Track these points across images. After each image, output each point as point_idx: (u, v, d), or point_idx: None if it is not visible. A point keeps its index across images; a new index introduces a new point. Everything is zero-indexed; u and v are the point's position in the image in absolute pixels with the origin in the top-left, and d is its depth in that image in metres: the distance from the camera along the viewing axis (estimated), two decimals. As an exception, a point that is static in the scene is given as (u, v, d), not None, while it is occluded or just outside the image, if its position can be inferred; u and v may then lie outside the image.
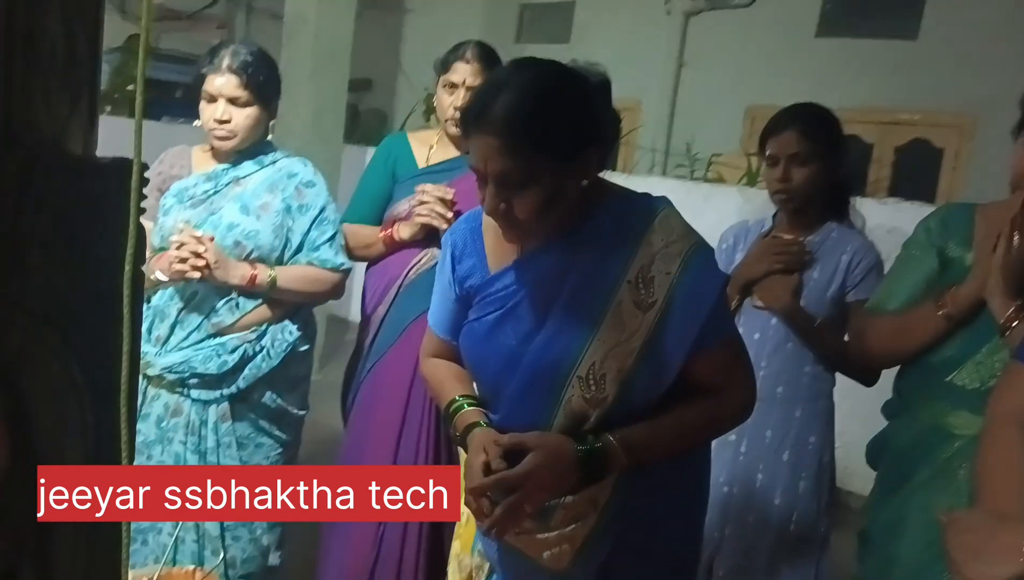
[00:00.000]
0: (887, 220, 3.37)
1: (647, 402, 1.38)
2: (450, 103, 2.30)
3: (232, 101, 2.09)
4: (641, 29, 7.63)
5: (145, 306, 2.17)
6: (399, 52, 8.66)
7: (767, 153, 2.15)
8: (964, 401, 1.58)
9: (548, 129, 1.27)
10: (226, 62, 2.09)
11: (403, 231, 2.31)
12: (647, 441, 1.37)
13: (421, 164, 2.39)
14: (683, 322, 1.33)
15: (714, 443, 2.17)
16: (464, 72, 2.28)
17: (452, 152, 2.40)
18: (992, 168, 5.23)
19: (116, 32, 12.89)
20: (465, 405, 1.48)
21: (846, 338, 2.10)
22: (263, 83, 2.13)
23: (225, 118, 2.08)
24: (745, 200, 4.11)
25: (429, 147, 2.41)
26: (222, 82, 2.08)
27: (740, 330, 2.15)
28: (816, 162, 2.09)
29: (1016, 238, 1.49)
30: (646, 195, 1.43)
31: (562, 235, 1.37)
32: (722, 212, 4.00)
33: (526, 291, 1.40)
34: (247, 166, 2.18)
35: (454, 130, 2.31)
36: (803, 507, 2.16)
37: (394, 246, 2.33)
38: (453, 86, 2.30)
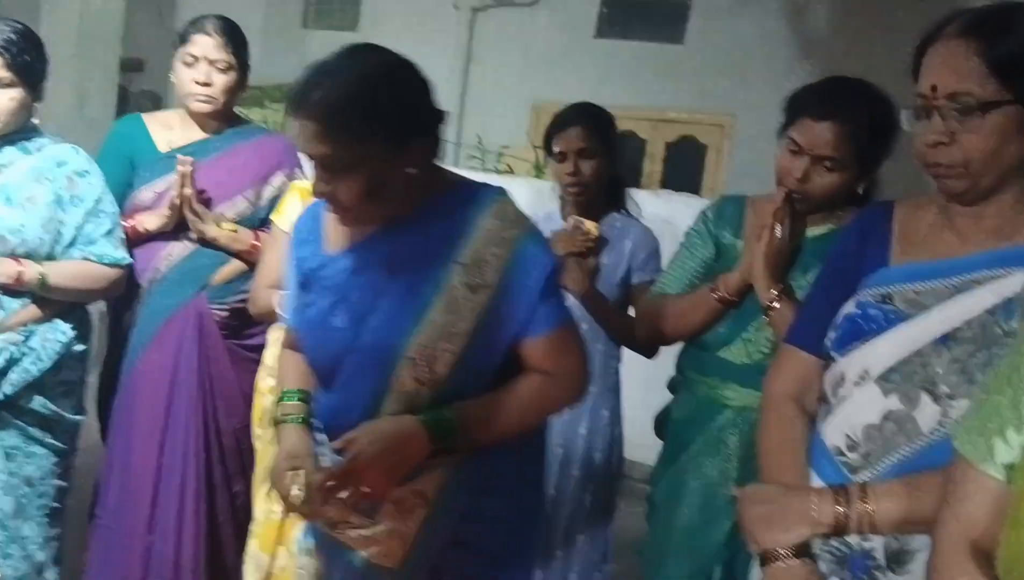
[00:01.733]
0: (660, 210, 3.64)
1: (480, 384, 1.39)
2: (190, 77, 2.19)
3: None
4: (430, 21, 7.67)
5: None
6: (174, 31, 8.15)
7: (555, 150, 2.28)
8: (734, 375, 1.74)
9: (369, 117, 1.27)
10: None
11: (149, 222, 2.19)
12: (479, 415, 1.38)
13: (163, 148, 2.26)
14: (512, 305, 1.36)
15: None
16: (205, 45, 2.18)
17: (197, 133, 2.28)
18: (749, 163, 5.79)
19: None
20: (286, 398, 1.51)
21: (631, 316, 2.27)
22: (29, 64, 1.95)
23: None
24: (534, 191, 4.27)
25: (170, 128, 2.29)
26: None
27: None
28: (600, 156, 2.24)
29: (778, 229, 1.66)
30: (484, 184, 1.46)
31: (397, 220, 1.38)
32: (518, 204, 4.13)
33: (359, 276, 1.40)
34: (9, 153, 1.98)
35: (198, 106, 2.21)
36: (598, 478, 2.30)
37: (138, 238, 2.19)
38: (194, 59, 2.18)
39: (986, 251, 1.18)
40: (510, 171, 5.58)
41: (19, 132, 2.00)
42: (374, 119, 1.28)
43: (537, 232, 1.43)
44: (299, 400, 1.50)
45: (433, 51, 7.47)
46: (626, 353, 2.33)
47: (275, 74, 5.28)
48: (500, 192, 1.44)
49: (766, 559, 1.20)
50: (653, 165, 7.24)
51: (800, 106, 1.67)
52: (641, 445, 2.09)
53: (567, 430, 2.28)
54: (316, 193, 1.35)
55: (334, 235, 1.45)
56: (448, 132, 5.94)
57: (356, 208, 1.34)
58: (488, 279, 1.35)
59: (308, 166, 2.37)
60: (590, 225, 2.24)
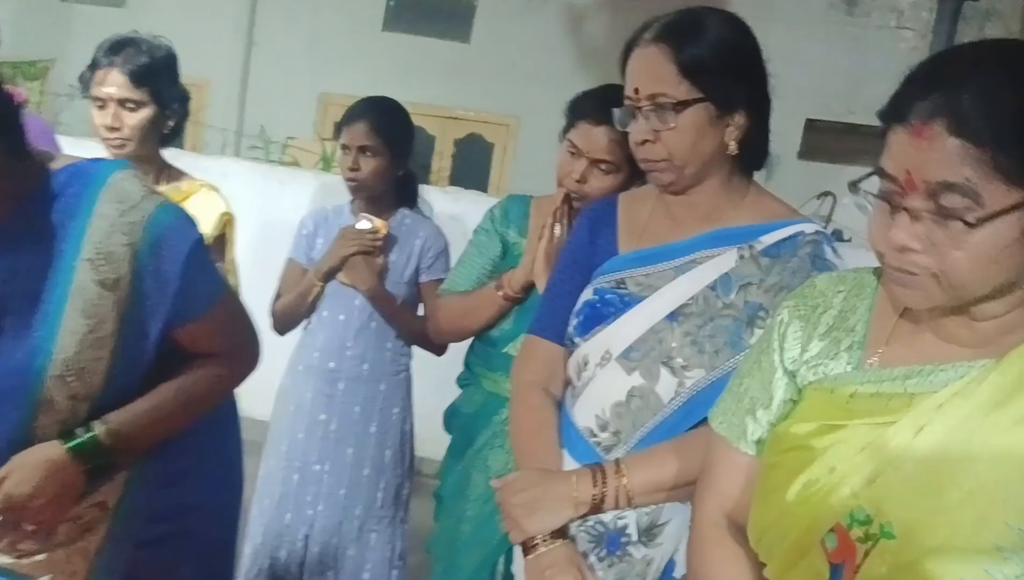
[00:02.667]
0: (448, 207, 3.70)
1: (144, 379, 1.30)
2: None
3: None
4: (208, 3, 7.29)
5: None
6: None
7: (341, 142, 2.26)
8: None
9: None
10: None
11: None
12: (135, 421, 1.28)
13: None
14: (155, 295, 1.24)
15: (304, 423, 2.25)
16: None
17: None
18: (534, 162, 5.99)
19: None
20: None
21: (420, 315, 2.30)
22: None
23: None
24: (321, 185, 4.19)
25: None
26: None
27: (325, 313, 2.26)
28: (384, 154, 2.24)
29: (557, 228, 1.75)
30: (96, 161, 1.29)
31: (7, 223, 1.20)
32: (299, 196, 4.04)
33: None
34: None
35: None
36: (389, 475, 2.32)
37: None
38: None
39: (700, 233, 1.32)
40: (296, 163, 5.43)
41: None
42: None
43: (167, 207, 1.27)
44: None
45: (212, 34, 7.13)
46: (416, 350, 2.36)
47: (32, 50, 4.82)
48: (115, 167, 1.28)
49: (527, 547, 1.25)
50: (442, 162, 7.33)
51: (579, 111, 1.76)
52: (432, 441, 2.13)
53: (357, 428, 2.28)
54: None
55: None
56: (228, 120, 5.70)
57: None
58: (121, 271, 1.21)
59: (66, 148, 2.23)
60: (378, 222, 2.24)
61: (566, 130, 1.79)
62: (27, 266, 1.20)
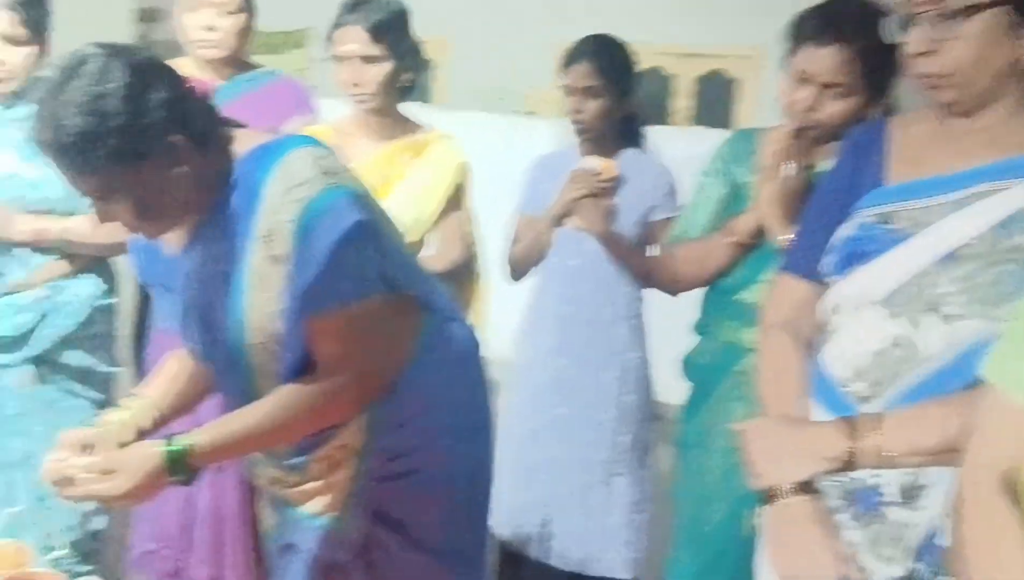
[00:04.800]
0: (689, 147, 3.56)
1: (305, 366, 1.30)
2: (195, 23, 2.10)
3: (8, 40, 1.90)
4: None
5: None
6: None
7: (564, 84, 2.23)
8: (754, 319, 1.70)
9: (86, 150, 1.14)
10: None
11: None
12: (228, 442, 1.29)
13: None
14: (299, 277, 1.23)
15: (544, 368, 2.28)
16: None
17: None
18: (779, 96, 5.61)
19: None
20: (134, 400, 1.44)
21: (652, 256, 2.23)
22: (40, 19, 1.94)
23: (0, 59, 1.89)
24: (560, 133, 4.20)
25: None
26: None
27: (556, 260, 2.26)
28: (607, 93, 2.18)
29: (788, 166, 1.60)
30: (280, 140, 1.32)
31: (206, 211, 1.28)
32: (539, 145, 4.06)
33: (191, 277, 1.33)
34: (26, 110, 1.98)
35: (204, 54, 2.12)
36: (631, 419, 2.30)
37: None
38: (197, 2, 2.10)
39: (987, 163, 1.14)
40: (535, 113, 5.48)
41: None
42: (87, 151, 1.14)
43: (334, 189, 1.23)
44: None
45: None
46: (650, 293, 2.30)
47: (296, 19, 5.22)
48: (292, 144, 1.29)
49: (769, 496, 1.15)
50: (681, 101, 7.08)
51: (801, 32, 1.59)
52: (673, 387, 2.08)
53: (596, 373, 2.27)
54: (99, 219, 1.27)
55: (172, 237, 1.35)
56: (472, 75, 5.84)
57: (146, 227, 1.27)
58: (285, 249, 1.22)
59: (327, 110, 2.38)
60: (606, 164, 2.19)
61: (789, 56, 1.62)
62: (221, 248, 1.27)
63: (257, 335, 1.28)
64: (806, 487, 1.14)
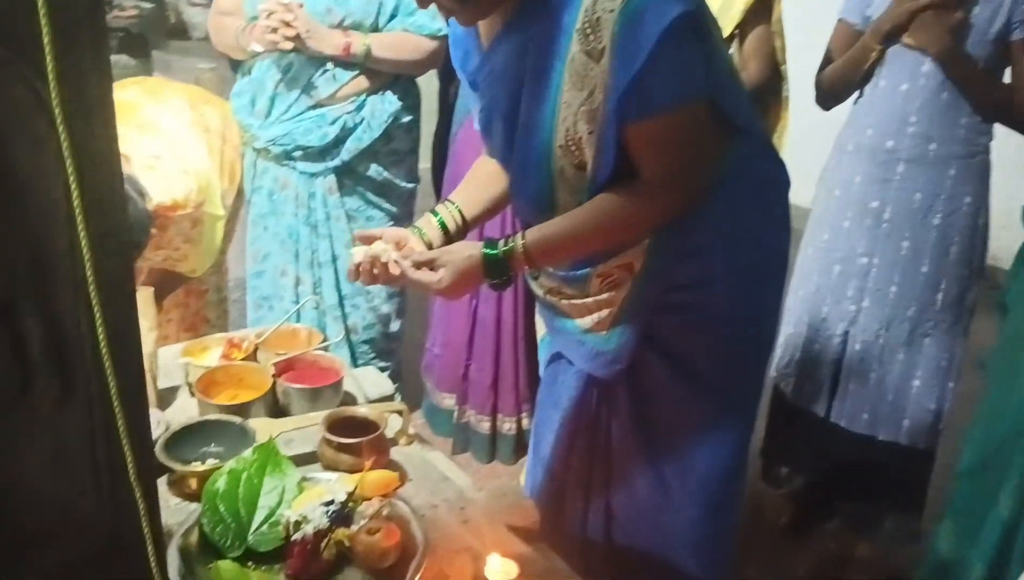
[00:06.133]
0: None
1: (613, 173, 1.22)
2: None
3: None
4: None
5: (246, 78, 2.15)
6: None
7: None
8: None
9: None
10: None
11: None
12: (551, 245, 1.28)
13: None
14: (620, 71, 1.12)
15: (851, 210, 2.01)
16: None
17: None
18: None
19: None
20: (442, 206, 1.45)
21: (1006, 83, 1.83)
22: None
23: None
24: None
25: None
26: None
27: (882, 82, 1.92)
28: None
29: None
30: None
31: (524, 3, 1.21)
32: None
33: (501, 73, 1.27)
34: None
35: None
36: (952, 274, 1.97)
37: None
38: None
39: None
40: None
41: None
42: None
43: None
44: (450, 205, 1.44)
45: None
46: (997, 129, 1.90)
47: None
48: None
49: None
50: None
51: None
52: (1007, 247, 1.72)
53: (916, 219, 1.95)
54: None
55: (483, 31, 1.30)
56: None
57: (465, 8, 1.20)
58: (604, 41, 1.11)
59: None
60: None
61: None
62: (537, 44, 1.20)
63: (564, 136, 1.22)
64: None
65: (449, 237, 1.40)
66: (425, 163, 2.38)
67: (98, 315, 0.68)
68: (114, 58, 4.41)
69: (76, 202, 0.65)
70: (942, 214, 1.94)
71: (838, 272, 2.06)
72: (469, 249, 1.29)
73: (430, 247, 1.37)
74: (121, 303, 0.73)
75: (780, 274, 1.41)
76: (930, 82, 1.88)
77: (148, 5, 5.91)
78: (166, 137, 1.86)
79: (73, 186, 0.64)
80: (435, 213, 1.42)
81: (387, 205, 2.22)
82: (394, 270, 1.28)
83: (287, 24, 1.92)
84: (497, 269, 1.28)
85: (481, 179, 1.46)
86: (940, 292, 1.98)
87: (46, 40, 0.61)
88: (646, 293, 1.32)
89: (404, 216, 2.27)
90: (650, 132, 1.18)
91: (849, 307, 2.05)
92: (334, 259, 2.18)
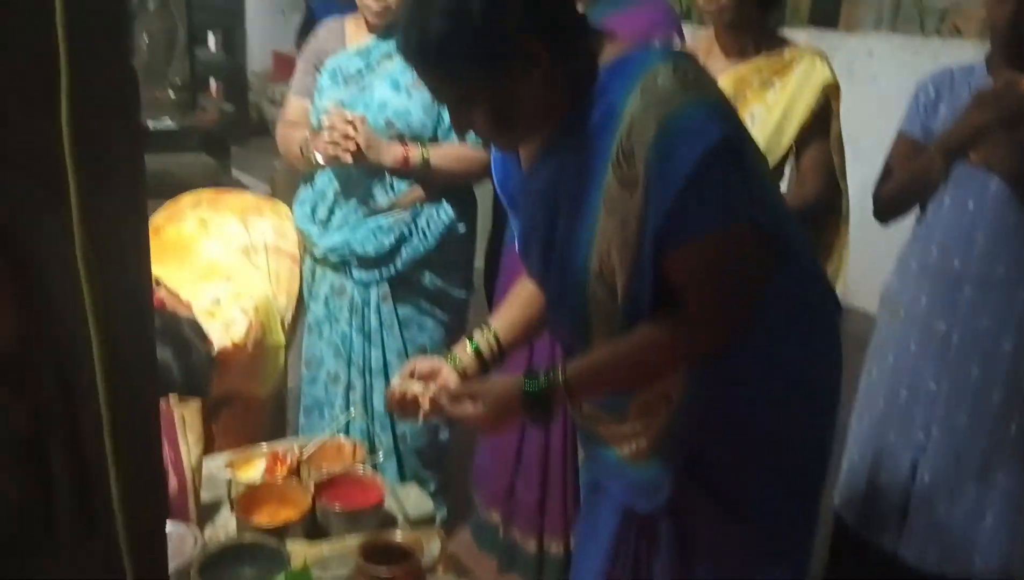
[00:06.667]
0: None
1: (651, 303, 1.20)
2: None
3: None
4: None
5: (308, 187, 2.21)
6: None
7: None
8: None
9: (447, 54, 1.13)
10: None
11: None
12: (592, 379, 1.26)
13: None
14: (656, 200, 1.11)
15: (917, 333, 1.93)
16: None
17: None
18: None
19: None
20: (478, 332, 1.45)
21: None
22: None
23: None
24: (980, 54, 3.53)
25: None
26: None
27: (947, 200, 1.87)
28: None
29: None
30: (645, 52, 1.21)
31: (562, 128, 1.21)
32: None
33: (540, 195, 1.27)
34: (392, 44, 2.11)
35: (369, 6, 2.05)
36: (1025, 404, 1.87)
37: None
38: None
39: None
40: (957, 33, 4.69)
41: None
42: (454, 54, 1.13)
43: (697, 105, 1.11)
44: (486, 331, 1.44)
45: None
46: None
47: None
48: (657, 57, 1.17)
49: None
50: None
51: None
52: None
53: (986, 344, 1.86)
54: (455, 131, 1.31)
55: (523, 154, 1.32)
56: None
57: (501, 136, 1.24)
58: (638, 171, 1.11)
59: (685, 31, 2.22)
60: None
61: None
62: (574, 167, 1.20)
63: (599, 263, 1.21)
64: None
65: (485, 364, 1.40)
66: (479, 262, 2.38)
67: (111, 458, 0.67)
68: (193, 157, 4.62)
69: (96, 343, 0.65)
70: (1013, 341, 1.85)
71: (905, 398, 1.97)
72: (508, 383, 1.27)
73: (464, 375, 1.36)
74: (143, 443, 0.73)
75: (830, 405, 1.35)
76: (998, 202, 1.82)
77: (230, 108, 6.22)
78: (223, 276, 1.92)
79: (93, 329, 0.64)
80: (471, 339, 1.41)
81: (440, 314, 2.22)
82: (424, 405, 1.28)
83: (348, 137, 1.97)
84: (537, 405, 1.25)
85: (521, 301, 1.45)
86: (1013, 423, 1.87)
87: (72, 183, 0.61)
88: (686, 423, 1.27)
89: (457, 325, 2.26)
90: (690, 260, 1.16)
91: (917, 435, 1.95)
92: (385, 367, 2.18)
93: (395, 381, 1.36)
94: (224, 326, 1.83)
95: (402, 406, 1.33)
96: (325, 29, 2.23)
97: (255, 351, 1.90)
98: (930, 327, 1.92)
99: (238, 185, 5.37)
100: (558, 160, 1.23)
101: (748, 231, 1.17)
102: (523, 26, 1.12)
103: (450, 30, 1.11)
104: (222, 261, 1.98)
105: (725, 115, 1.16)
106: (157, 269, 1.88)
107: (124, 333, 0.70)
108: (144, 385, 0.72)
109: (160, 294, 1.81)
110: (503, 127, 1.21)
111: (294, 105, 2.22)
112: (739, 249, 1.17)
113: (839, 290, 1.95)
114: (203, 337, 1.76)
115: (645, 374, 1.27)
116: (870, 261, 2.11)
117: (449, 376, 1.35)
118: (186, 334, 1.74)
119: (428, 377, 1.35)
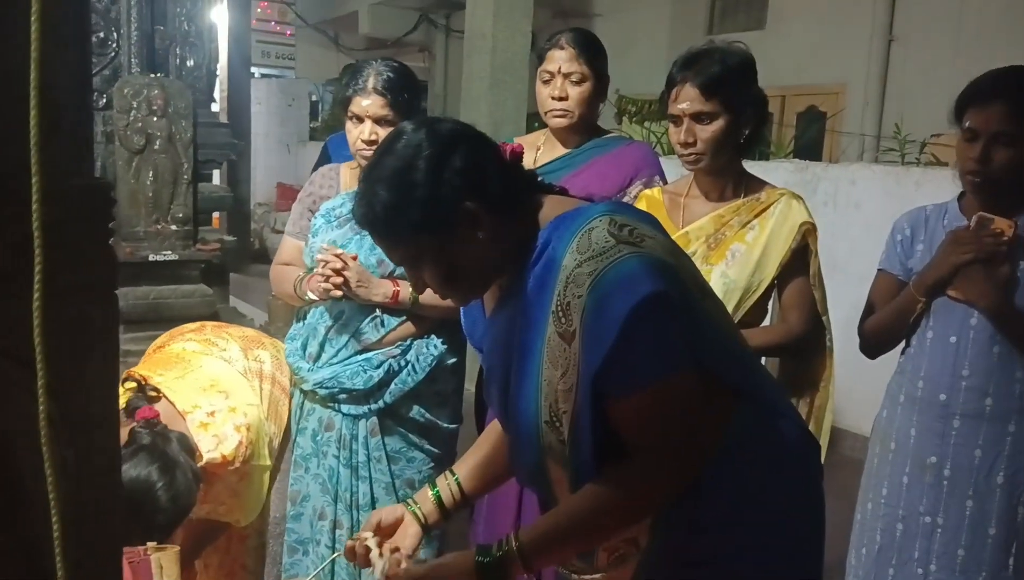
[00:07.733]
0: None
1: (596, 455, 1.20)
2: (547, 94, 2.22)
3: (378, 121, 2.11)
4: (843, 7, 7.08)
5: (300, 324, 2.24)
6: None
7: (965, 125, 1.84)
8: None
9: (393, 222, 1.21)
10: (371, 83, 2.11)
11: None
12: (547, 544, 1.24)
13: (529, 165, 2.30)
14: (589, 354, 1.13)
15: (909, 466, 1.92)
16: (559, 59, 2.20)
17: (559, 150, 2.30)
18: None
19: (332, 64, 13.92)
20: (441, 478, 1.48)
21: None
22: (408, 101, 2.13)
23: (372, 139, 2.10)
24: (959, 183, 3.65)
25: (536, 149, 2.32)
26: (368, 103, 2.10)
27: (930, 333, 1.90)
28: (1022, 144, 1.77)
29: None
30: (583, 208, 1.24)
31: (509, 281, 1.29)
32: (935, 197, 3.57)
33: (496, 343, 1.34)
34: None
35: (555, 122, 2.23)
36: (1023, 539, 1.83)
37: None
38: (550, 75, 2.22)
39: None
40: (936, 162, 4.85)
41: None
42: (396, 220, 1.21)
43: (630, 260, 1.12)
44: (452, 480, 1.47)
45: (848, 38, 6.92)
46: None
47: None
48: (594, 212, 1.20)
49: None
50: None
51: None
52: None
53: (978, 477, 1.85)
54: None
55: (487, 300, 1.39)
56: (865, 124, 5.46)
57: (453, 292, 1.29)
58: (575, 324, 1.14)
59: (669, 173, 2.31)
60: (1002, 223, 1.79)
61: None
62: (524, 317, 1.24)
63: (548, 413, 1.22)
64: None
65: (446, 512, 1.41)
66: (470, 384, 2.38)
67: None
68: (192, 288, 4.66)
69: (54, 516, 0.65)
70: (1004, 473, 1.84)
71: (901, 531, 1.94)
72: (460, 560, 1.26)
73: (425, 523, 1.39)
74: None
75: (813, 541, 1.31)
76: (980, 335, 1.84)
77: (231, 239, 6.35)
78: (222, 391, 1.93)
79: (52, 503, 0.65)
80: (433, 486, 1.43)
81: (429, 446, 2.21)
82: (376, 570, 1.28)
83: (338, 273, 2.02)
84: (496, 571, 1.23)
85: (489, 446, 1.47)
86: (1011, 556, 1.84)
87: (39, 358, 0.63)
88: (657, 569, 1.25)
89: (446, 456, 2.25)
90: (630, 412, 1.16)
91: (916, 570, 1.91)
92: (373, 502, 2.15)
93: (362, 533, 1.38)
94: (216, 439, 1.83)
95: (361, 560, 1.35)
96: (320, 175, 2.32)
97: (242, 468, 1.89)
98: (921, 459, 1.92)
99: (235, 313, 5.43)
100: (512, 309, 1.28)
101: (692, 378, 1.17)
102: (465, 194, 1.19)
103: (396, 199, 1.19)
104: (222, 377, 1.99)
105: (660, 267, 1.15)
106: (157, 378, 1.91)
107: (97, 499, 0.71)
108: (106, 544, 0.72)
109: (156, 407, 1.81)
110: (453, 284, 1.27)
111: (289, 245, 2.28)
112: (682, 398, 1.16)
113: (829, 419, 1.96)
114: (191, 451, 1.75)
115: (601, 533, 1.26)
116: (866, 386, 2.13)
117: (410, 528, 1.38)
118: (173, 453, 1.73)
119: (388, 532, 1.37)
